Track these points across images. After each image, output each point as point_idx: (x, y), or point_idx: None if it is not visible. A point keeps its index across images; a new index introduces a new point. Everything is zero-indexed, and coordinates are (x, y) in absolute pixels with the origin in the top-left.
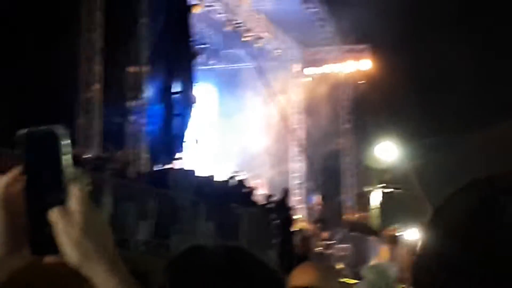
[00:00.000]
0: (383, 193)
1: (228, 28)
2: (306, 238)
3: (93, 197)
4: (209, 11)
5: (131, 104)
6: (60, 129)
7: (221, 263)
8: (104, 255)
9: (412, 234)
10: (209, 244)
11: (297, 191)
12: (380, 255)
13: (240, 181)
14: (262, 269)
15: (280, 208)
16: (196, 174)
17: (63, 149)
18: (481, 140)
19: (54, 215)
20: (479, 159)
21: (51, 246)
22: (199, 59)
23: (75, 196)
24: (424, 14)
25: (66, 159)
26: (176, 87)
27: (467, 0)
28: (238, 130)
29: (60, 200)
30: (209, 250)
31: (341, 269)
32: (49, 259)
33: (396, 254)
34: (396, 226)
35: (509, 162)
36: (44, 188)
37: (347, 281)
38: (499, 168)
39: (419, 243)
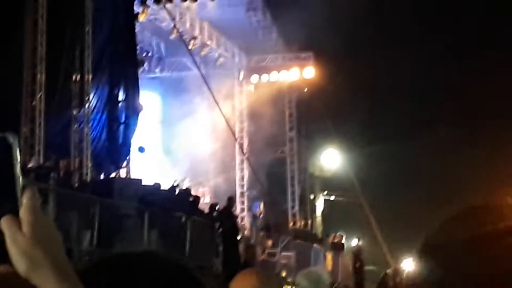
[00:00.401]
0: (326, 201)
1: (173, 36)
2: (250, 246)
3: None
4: (154, 19)
5: (75, 112)
6: (11, 137)
7: (135, 270)
8: (53, 263)
9: (354, 242)
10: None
11: (241, 199)
12: (325, 262)
13: (185, 190)
14: (180, 275)
15: (225, 216)
16: (142, 182)
17: (15, 157)
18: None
19: (3, 223)
20: (421, 167)
21: (2, 255)
22: (144, 67)
23: (25, 204)
24: (369, 22)
25: (18, 167)
26: (121, 96)
27: (411, 8)
28: (183, 138)
29: (14, 209)
30: (123, 259)
31: (284, 277)
32: (0, 268)
33: (340, 261)
34: (340, 233)
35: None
36: None
37: None
38: (441, 176)
39: (414, 271)
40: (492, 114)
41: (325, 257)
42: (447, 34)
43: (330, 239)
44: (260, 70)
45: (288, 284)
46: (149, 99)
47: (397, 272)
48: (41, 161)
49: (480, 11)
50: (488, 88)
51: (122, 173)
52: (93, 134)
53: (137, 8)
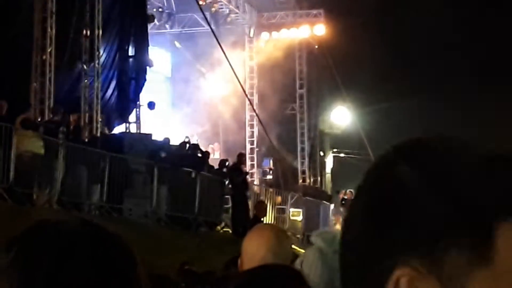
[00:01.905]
0: (336, 158)
1: None
2: (260, 202)
3: (47, 160)
4: None
5: (85, 67)
6: None
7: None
8: None
9: None
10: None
11: (251, 155)
12: (335, 220)
13: (195, 145)
14: (112, 245)
15: (234, 172)
16: (152, 138)
17: None
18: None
19: None
20: (430, 124)
21: None
22: (154, 23)
23: None
24: None
25: None
26: (131, 51)
27: None
28: (193, 94)
29: None
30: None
31: (294, 233)
32: None
33: None
34: (349, 190)
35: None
36: None
37: (297, 250)
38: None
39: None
40: None
41: (334, 214)
42: None
43: (340, 196)
44: (270, 27)
45: (297, 240)
46: (158, 54)
47: None
48: (51, 116)
49: None
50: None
51: (132, 128)
52: (103, 89)
53: None
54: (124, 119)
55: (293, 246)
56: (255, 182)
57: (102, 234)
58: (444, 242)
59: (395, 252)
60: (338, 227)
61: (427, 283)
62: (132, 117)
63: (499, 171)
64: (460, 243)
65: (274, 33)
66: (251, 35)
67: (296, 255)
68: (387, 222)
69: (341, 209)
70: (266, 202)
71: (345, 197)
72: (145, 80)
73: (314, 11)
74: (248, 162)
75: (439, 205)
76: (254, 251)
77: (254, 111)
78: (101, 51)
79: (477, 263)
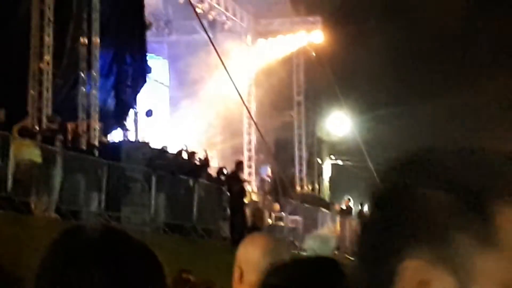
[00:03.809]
0: (334, 165)
1: (181, 0)
2: (257, 210)
3: (45, 168)
4: None
5: (83, 75)
6: None
7: (94, 246)
8: None
9: (365, 207)
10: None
11: (249, 163)
12: (333, 227)
13: (193, 153)
14: (138, 253)
15: (232, 180)
16: (150, 146)
17: None
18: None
19: None
20: (427, 130)
21: None
22: (151, 30)
23: None
24: None
25: None
26: (128, 59)
27: None
28: (191, 102)
29: None
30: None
31: (292, 241)
32: None
33: (348, 226)
34: (348, 198)
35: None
36: None
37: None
38: (447, 140)
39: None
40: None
41: (332, 221)
42: None
43: (337, 204)
44: (268, 34)
45: (295, 248)
46: (156, 62)
47: None
48: (49, 124)
49: None
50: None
51: (130, 136)
52: (100, 97)
53: None
54: (121, 125)
55: (293, 252)
56: (253, 190)
57: (129, 244)
58: (450, 231)
59: (403, 245)
60: (337, 233)
61: (437, 272)
62: (130, 125)
63: (486, 162)
64: (465, 229)
65: (271, 40)
66: (248, 42)
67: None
68: (393, 217)
69: (339, 216)
70: (264, 209)
71: (343, 207)
72: (142, 87)
73: (311, 18)
74: (246, 170)
75: (441, 196)
76: (254, 259)
77: (252, 119)
78: (99, 59)
79: (484, 245)
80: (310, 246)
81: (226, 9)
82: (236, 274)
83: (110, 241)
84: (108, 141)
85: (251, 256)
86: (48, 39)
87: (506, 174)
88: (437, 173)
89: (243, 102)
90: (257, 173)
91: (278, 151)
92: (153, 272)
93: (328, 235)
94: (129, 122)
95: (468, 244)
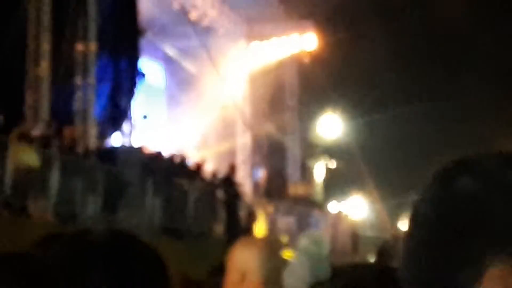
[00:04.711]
0: (327, 167)
1: (175, 6)
2: (251, 212)
3: (42, 173)
4: None
5: (79, 81)
6: None
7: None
8: None
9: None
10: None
11: (243, 166)
12: (324, 228)
13: (187, 157)
14: (145, 257)
15: (226, 183)
16: (144, 150)
17: None
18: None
19: None
20: (422, 133)
21: None
22: (146, 36)
23: None
24: None
25: None
26: (124, 64)
27: None
28: (185, 106)
29: None
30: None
31: (285, 243)
32: None
33: (340, 228)
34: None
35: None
36: None
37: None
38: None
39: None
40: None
41: (325, 223)
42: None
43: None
44: (261, 39)
45: (288, 249)
46: (151, 67)
47: (397, 238)
48: (46, 129)
49: None
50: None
51: (126, 141)
52: (97, 102)
53: None
54: (117, 130)
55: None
56: (246, 192)
57: (134, 246)
58: None
59: (482, 252)
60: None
61: None
62: (125, 130)
63: None
64: None
65: (264, 44)
66: (243, 46)
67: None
68: (466, 229)
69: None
70: (257, 211)
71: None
72: (138, 92)
73: (305, 23)
74: (240, 173)
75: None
76: (243, 261)
77: (245, 122)
78: (95, 64)
79: None
80: (302, 242)
81: (220, 14)
82: (234, 277)
83: (116, 243)
84: (104, 145)
85: (251, 259)
86: (45, 45)
87: None
88: (503, 184)
89: (236, 106)
90: (251, 175)
91: (272, 153)
92: (159, 275)
93: (321, 236)
94: (125, 126)
95: None
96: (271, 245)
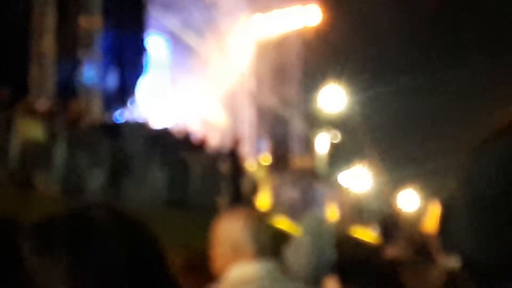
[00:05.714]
0: (330, 139)
1: None
2: (255, 184)
3: (47, 148)
4: None
5: (84, 54)
6: None
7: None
8: None
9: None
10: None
11: (247, 138)
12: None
13: (191, 130)
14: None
15: (230, 156)
16: (149, 125)
17: None
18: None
19: None
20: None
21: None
22: (150, 10)
23: None
24: None
25: None
26: (128, 38)
27: None
28: (190, 80)
29: None
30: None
31: (284, 215)
32: None
33: (344, 200)
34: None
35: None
36: None
37: (287, 227)
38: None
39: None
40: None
41: (329, 196)
42: None
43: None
44: (264, 10)
45: (288, 221)
46: (156, 41)
47: (399, 211)
48: (51, 104)
49: None
50: None
51: (131, 115)
52: (102, 76)
53: None
54: (124, 104)
55: (285, 227)
56: (250, 165)
57: (128, 224)
58: None
59: None
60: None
61: None
62: (131, 104)
63: None
64: None
65: (269, 17)
66: (246, 19)
67: (287, 236)
68: None
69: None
70: (261, 184)
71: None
72: (144, 65)
73: None
74: (244, 145)
75: None
76: (233, 233)
77: (250, 95)
78: (100, 38)
79: None
80: (308, 225)
81: None
82: (225, 249)
83: (114, 224)
84: (109, 120)
85: (242, 231)
86: (49, 20)
87: None
88: None
89: (241, 79)
90: (255, 148)
91: (276, 126)
92: (156, 256)
93: (325, 215)
94: (130, 101)
95: None
96: (259, 216)
